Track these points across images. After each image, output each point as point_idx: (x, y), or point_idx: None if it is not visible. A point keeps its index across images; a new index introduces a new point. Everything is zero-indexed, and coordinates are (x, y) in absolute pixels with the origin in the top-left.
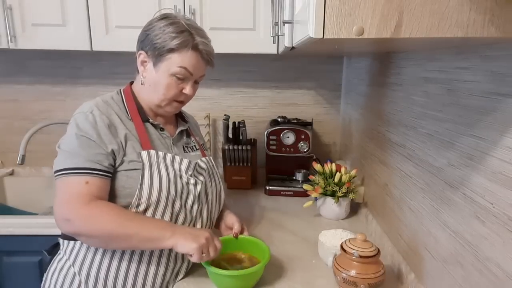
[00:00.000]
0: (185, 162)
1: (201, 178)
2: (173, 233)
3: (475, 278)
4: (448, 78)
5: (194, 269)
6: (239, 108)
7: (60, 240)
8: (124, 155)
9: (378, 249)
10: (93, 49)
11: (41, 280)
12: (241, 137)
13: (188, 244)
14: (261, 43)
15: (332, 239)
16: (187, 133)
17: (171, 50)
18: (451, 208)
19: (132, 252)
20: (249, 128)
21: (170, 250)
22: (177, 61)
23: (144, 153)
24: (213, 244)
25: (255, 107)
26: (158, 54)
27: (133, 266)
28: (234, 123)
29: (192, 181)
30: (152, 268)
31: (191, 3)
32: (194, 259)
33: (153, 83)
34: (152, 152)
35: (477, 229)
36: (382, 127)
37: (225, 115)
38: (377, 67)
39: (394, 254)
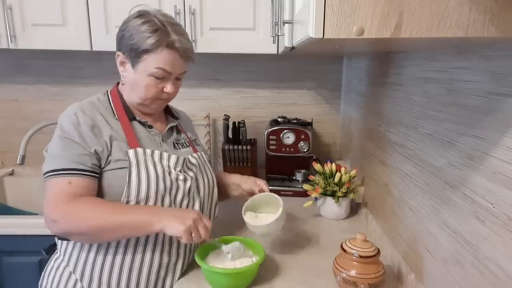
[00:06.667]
0: (173, 158)
1: (191, 174)
2: (160, 217)
3: (475, 278)
4: (448, 78)
5: (195, 269)
6: (239, 108)
7: (56, 240)
8: (110, 155)
9: (378, 249)
10: (93, 49)
11: None
12: (241, 137)
13: (175, 226)
14: (261, 43)
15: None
16: (177, 129)
17: (146, 51)
18: (451, 208)
19: (125, 250)
20: (249, 128)
21: (162, 246)
22: (153, 62)
23: (131, 152)
24: (202, 224)
25: (255, 107)
26: (134, 55)
27: (127, 264)
28: (234, 123)
29: (181, 177)
30: (146, 264)
31: (191, 3)
32: (184, 240)
33: (133, 83)
34: (139, 150)
35: (477, 229)
36: (382, 127)
37: (225, 115)
38: (377, 67)
39: (394, 254)
